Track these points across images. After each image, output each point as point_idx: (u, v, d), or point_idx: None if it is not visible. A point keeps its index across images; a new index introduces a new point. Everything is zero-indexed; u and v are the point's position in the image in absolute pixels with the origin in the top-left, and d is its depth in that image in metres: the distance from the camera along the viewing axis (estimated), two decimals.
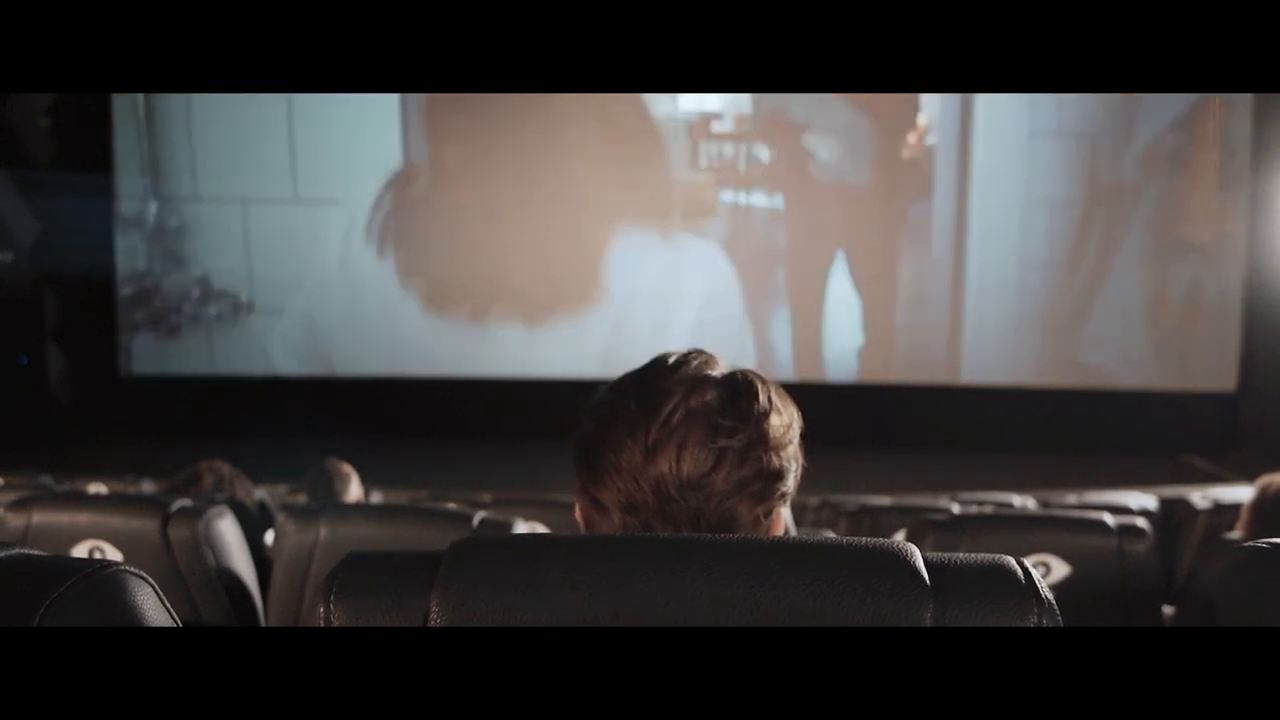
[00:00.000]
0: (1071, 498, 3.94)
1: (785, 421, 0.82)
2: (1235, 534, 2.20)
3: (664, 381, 0.81)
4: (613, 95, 6.93)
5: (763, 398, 0.81)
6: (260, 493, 2.97)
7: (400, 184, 7.21)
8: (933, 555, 0.60)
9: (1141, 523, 1.78)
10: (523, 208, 7.17)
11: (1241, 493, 3.19)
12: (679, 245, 7.10)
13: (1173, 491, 4.28)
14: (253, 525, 2.15)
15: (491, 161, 7.13)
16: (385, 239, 7.25)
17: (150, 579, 0.63)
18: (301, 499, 2.88)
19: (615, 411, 0.81)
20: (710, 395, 0.80)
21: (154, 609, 0.62)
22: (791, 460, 0.83)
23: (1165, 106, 6.66)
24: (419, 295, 7.22)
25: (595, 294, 7.13)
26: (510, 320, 7.20)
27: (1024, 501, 3.56)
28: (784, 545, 0.61)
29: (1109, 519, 1.78)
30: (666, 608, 0.58)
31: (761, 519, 0.81)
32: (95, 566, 0.60)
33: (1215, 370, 6.79)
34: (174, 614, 0.65)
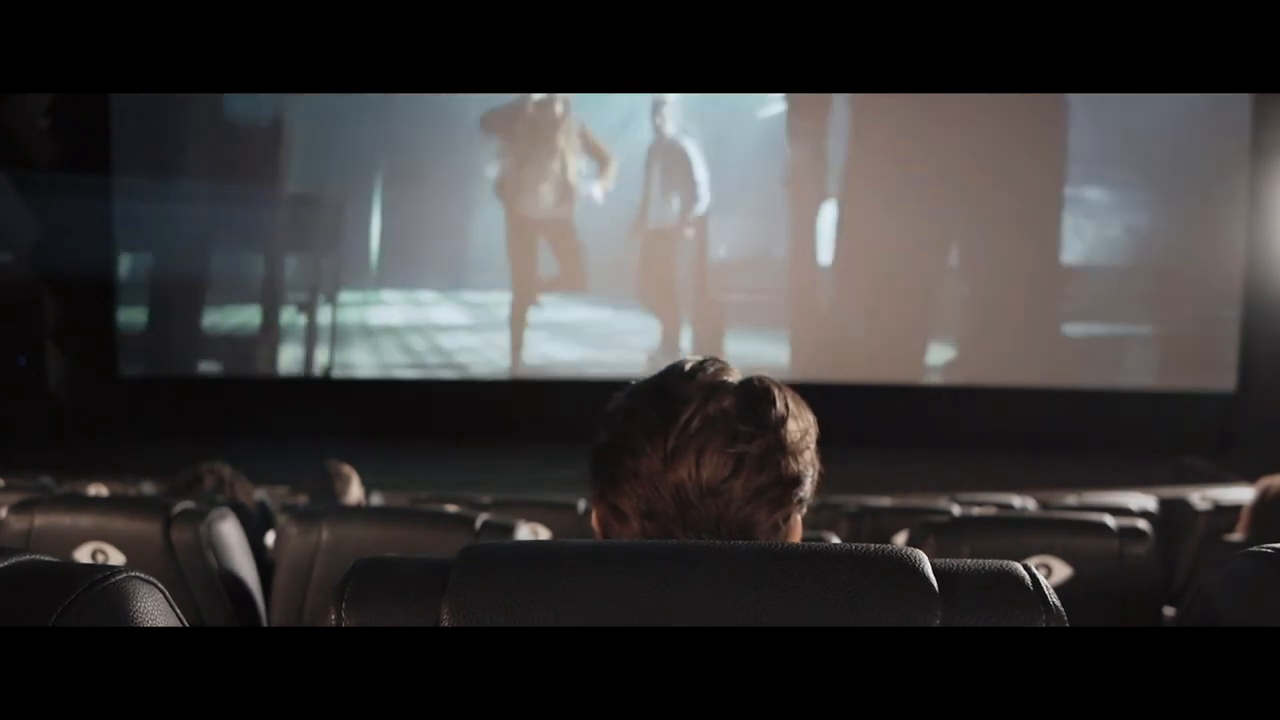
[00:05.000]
0: (1071, 499, 3.94)
1: (802, 427, 0.83)
2: (1236, 536, 2.20)
3: (682, 388, 0.82)
4: None
5: (779, 403, 0.82)
6: (260, 494, 2.97)
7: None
8: (940, 561, 0.60)
9: (1142, 524, 1.78)
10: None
11: (1241, 493, 3.19)
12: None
13: (1172, 492, 4.27)
14: (253, 527, 2.15)
15: None
16: (396, 240, 7.26)
17: (160, 585, 0.63)
18: (302, 500, 2.88)
19: (634, 418, 0.82)
20: (728, 401, 0.81)
21: (165, 615, 0.62)
22: (809, 466, 0.83)
23: (1164, 106, 6.65)
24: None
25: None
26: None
27: (1024, 502, 3.56)
28: (792, 552, 0.61)
29: (1110, 521, 1.78)
30: (676, 614, 0.58)
31: (780, 524, 0.82)
32: (105, 573, 0.60)
33: (1215, 370, 6.78)
34: (183, 619, 0.65)
